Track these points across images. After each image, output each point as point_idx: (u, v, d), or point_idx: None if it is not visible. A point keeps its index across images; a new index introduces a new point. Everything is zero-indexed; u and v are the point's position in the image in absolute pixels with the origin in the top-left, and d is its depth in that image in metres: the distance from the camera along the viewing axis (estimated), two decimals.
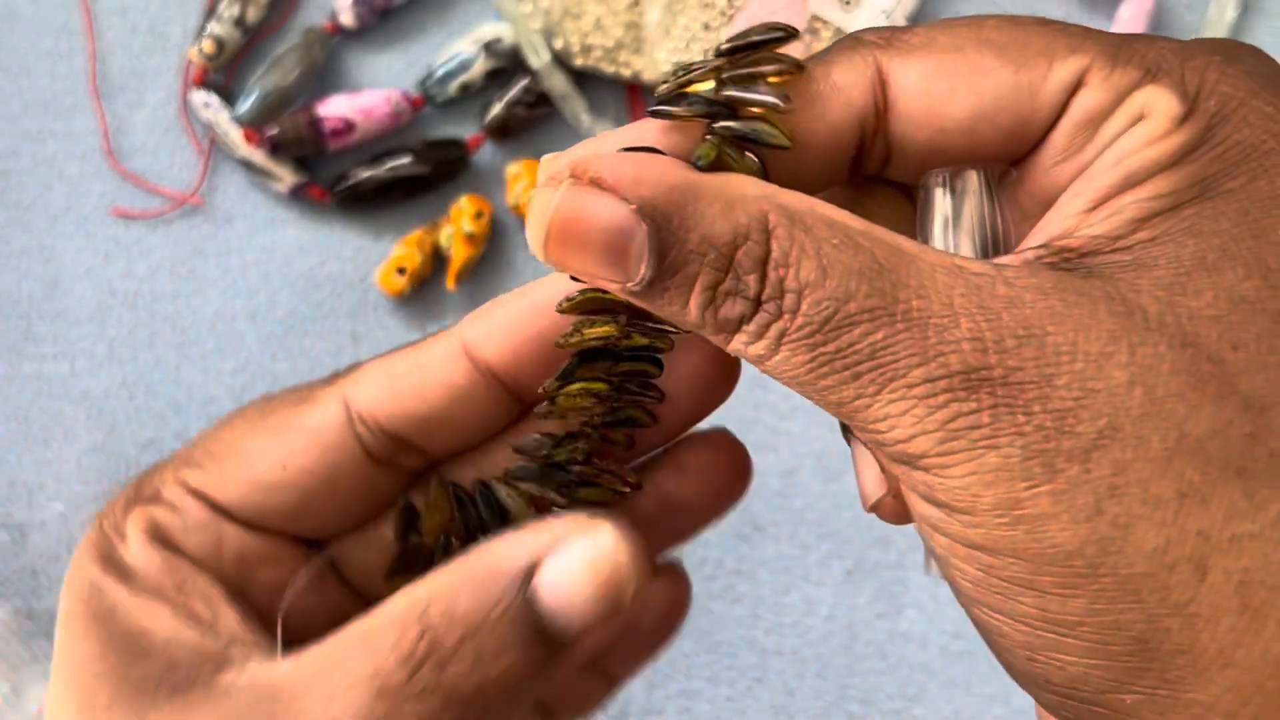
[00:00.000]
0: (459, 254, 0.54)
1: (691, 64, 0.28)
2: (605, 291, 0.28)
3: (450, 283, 0.55)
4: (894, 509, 0.29)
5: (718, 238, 0.25)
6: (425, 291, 0.56)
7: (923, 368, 0.24)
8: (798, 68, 0.28)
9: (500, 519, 0.32)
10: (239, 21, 0.55)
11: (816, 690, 0.53)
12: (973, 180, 0.30)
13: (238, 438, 0.32)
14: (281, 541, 0.31)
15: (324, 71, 0.56)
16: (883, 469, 0.29)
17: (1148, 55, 0.27)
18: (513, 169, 0.55)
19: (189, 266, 0.57)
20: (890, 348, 0.24)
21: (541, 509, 0.32)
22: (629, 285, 0.26)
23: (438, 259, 0.56)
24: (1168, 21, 0.57)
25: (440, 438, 0.32)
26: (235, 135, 0.55)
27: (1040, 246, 0.26)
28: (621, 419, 0.32)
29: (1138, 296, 0.25)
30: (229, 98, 0.55)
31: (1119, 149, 0.27)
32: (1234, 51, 0.28)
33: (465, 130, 0.56)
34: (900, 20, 0.56)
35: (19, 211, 0.57)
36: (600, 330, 0.30)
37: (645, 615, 0.34)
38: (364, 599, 0.32)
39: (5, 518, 0.55)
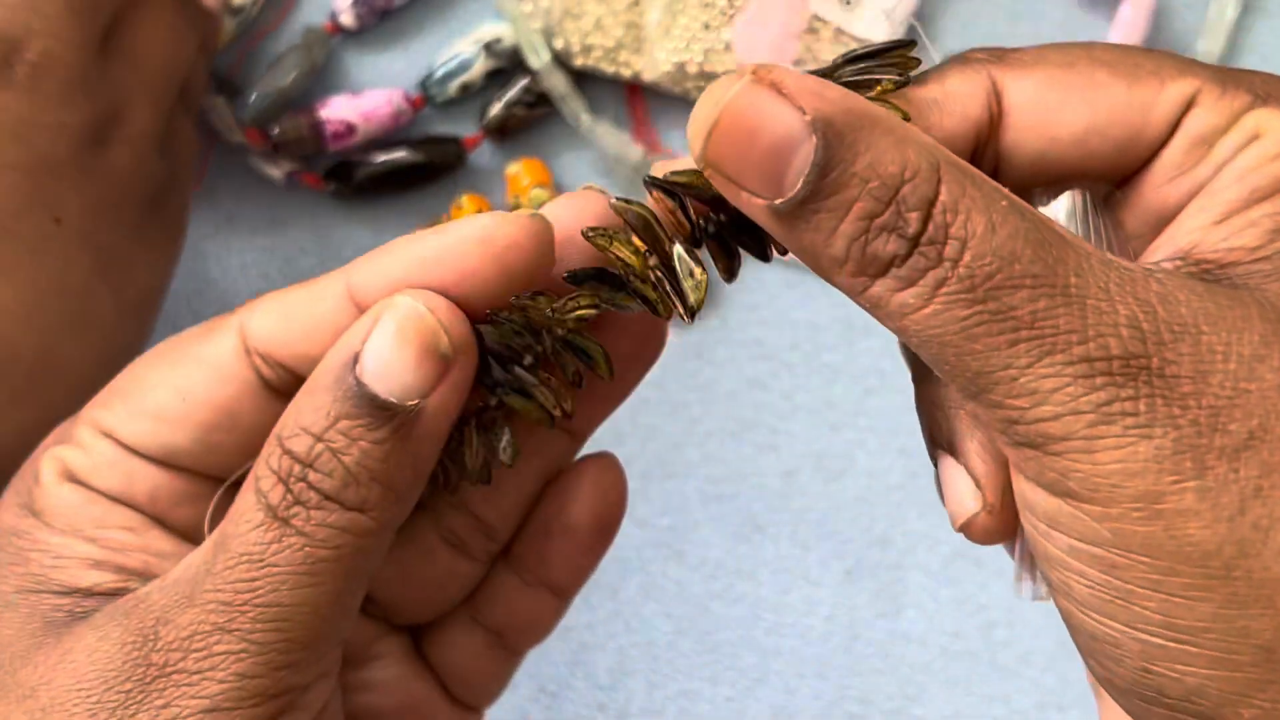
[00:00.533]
0: None
1: (809, 68, 0.28)
2: (682, 204, 0.28)
3: None
4: (987, 526, 0.29)
5: (885, 166, 0.24)
6: None
7: (1083, 345, 0.24)
8: (908, 74, 0.28)
9: None
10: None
11: (816, 690, 0.53)
12: (1077, 200, 0.30)
13: (142, 373, 0.31)
14: (194, 479, 0.31)
15: (324, 71, 0.56)
16: (976, 481, 0.28)
17: (1254, 83, 0.28)
18: (512, 169, 0.55)
19: (188, 266, 0.57)
20: (1051, 319, 0.24)
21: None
22: (777, 202, 0.25)
23: None
24: (1168, 21, 0.57)
25: None
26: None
27: (1176, 259, 0.27)
28: (581, 349, 0.31)
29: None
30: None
31: (1239, 166, 0.27)
32: None
33: (465, 130, 0.57)
34: (901, 21, 0.56)
35: None
36: (627, 253, 0.29)
37: (576, 511, 0.34)
38: None
39: None
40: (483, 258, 0.29)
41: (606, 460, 0.35)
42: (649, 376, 0.55)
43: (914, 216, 0.24)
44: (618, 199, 0.29)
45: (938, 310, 0.25)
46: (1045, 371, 0.24)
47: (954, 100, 0.28)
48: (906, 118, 0.28)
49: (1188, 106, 0.28)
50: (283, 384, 0.30)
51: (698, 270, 0.29)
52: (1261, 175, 0.27)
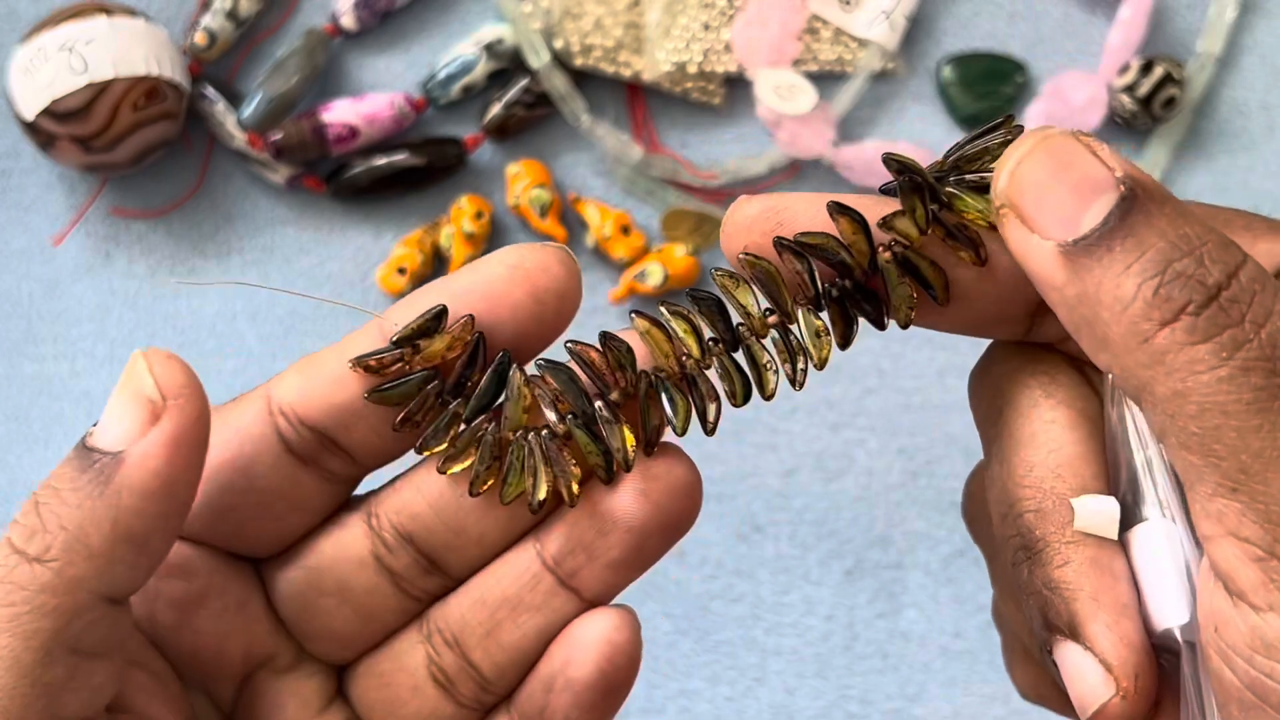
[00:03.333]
0: (459, 254, 0.55)
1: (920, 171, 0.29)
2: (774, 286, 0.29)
3: None
4: (1123, 710, 0.25)
5: (1190, 227, 0.23)
6: None
7: None
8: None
9: (492, 397, 0.30)
10: (231, 14, 0.55)
11: (816, 690, 0.53)
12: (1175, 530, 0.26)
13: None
14: (208, 555, 0.30)
15: (325, 73, 0.56)
16: (1107, 665, 0.26)
17: None
18: (513, 169, 0.55)
19: (189, 266, 0.57)
20: None
21: (529, 412, 0.31)
22: (1069, 237, 0.24)
23: (438, 259, 0.56)
24: (1167, 21, 0.57)
25: (361, 433, 0.29)
26: (230, 123, 0.55)
27: None
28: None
29: None
30: (230, 95, 0.55)
31: None
32: None
33: (466, 131, 0.57)
34: (900, 22, 0.56)
35: (20, 212, 0.57)
36: (749, 302, 0.30)
37: (582, 668, 0.30)
38: (286, 626, 0.31)
39: (6, 518, 0.56)
40: (512, 282, 0.29)
41: (621, 615, 0.30)
42: None
43: (1217, 268, 0.23)
44: (746, 254, 0.29)
45: (1233, 374, 0.22)
46: None
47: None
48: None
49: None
50: (304, 447, 0.29)
51: (821, 328, 0.30)
52: None
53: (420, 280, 0.55)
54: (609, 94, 0.57)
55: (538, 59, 0.55)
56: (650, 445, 0.32)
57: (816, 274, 0.29)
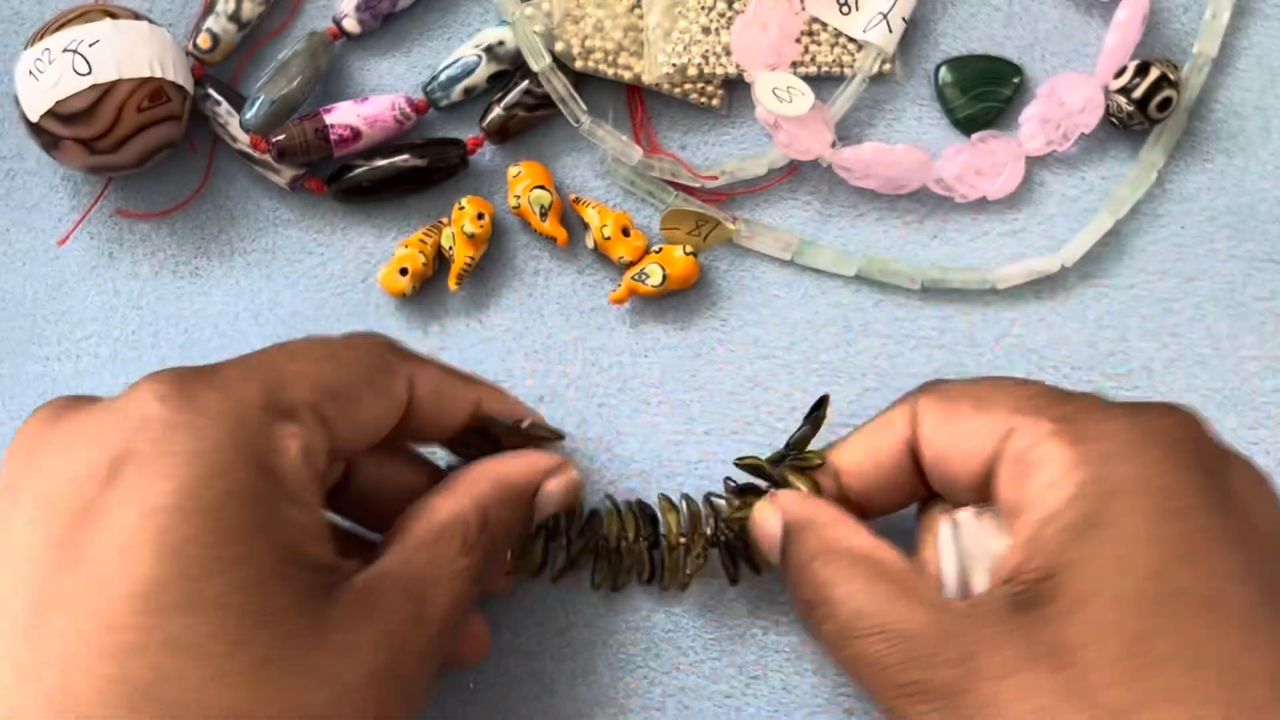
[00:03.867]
0: (461, 255, 0.55)
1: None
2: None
3: (452, 283, 0.55)
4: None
5: (801, 556, 0.43)
6: (427, 292, 0.56)
7: (904, 671, 0.36)
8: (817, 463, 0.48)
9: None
10: (234, 17, 0.56)
11: (815, 687, 0.53)
12: (963, 518, 0.41)
13: (354, 391, 0.40)
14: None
15: (327, 76, 0.57)
16: None
17: (1063, 410, 0.38)
18: (513, 170, 0.56)
19: (192, 266, 0.57)
20: (885, 663, 0.37)
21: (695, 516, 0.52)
22: (774, 560, 0.45)
23: (440, 260, 0.56)
24: (1164, 23, 0.57)
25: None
26: (234, 126, 0.55)
27: (1006, 580, 0.36)
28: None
29: (1048, 632, 0.34)
30: (233, 98, 0.56)
31: (1034, 490, 0.37)
32: (1136, 412, 0.37)
33: (468, 132, 0.57)
34: (897, 24, 0.56)
35: (24, 213, 0.57)
36: (673, 522, 0.53)
37: None
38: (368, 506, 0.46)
39: None
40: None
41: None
42: (648, 375, 0.56)
43: (812, 586, 0.42)
44: (685, 495, 0.52)
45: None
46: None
47: (892, 429, 0.43)
48: (817, 487, 0.47)
49: (1011, 431, 0.38)
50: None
51: (697, 554, 0.51)
52: (1045, 503, 0.36)
53: (422, 280, 0.55)
54: (609, 96, 0.57)
55: (538, 62, 0.55)
56: (560, 574, 0.53)
57: (720, 522, 0.50)
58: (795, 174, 0.57)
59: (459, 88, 0.56)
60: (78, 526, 0.33)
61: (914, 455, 0.43)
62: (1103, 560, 0.34)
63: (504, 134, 0.56)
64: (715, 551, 0.51)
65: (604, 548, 0.51)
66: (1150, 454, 0.35)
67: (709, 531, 0.50)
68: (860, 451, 0.45)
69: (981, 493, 0.40)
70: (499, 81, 0.56)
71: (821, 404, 0.50)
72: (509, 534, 0.44)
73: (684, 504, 0.52)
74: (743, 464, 0.51)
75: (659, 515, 0.52)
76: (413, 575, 0.38)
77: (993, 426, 0.39)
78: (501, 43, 0.56)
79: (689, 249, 0.55)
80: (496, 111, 0.56)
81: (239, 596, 0.32)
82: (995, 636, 0.34)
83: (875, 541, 0.40)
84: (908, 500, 0.45)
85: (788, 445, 0.50)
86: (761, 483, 0.51)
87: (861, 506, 0.45)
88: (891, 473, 0.43)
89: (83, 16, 0.53)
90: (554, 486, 0.46)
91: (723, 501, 0.51)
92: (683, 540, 0.51)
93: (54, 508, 0.33)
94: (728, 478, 0.52)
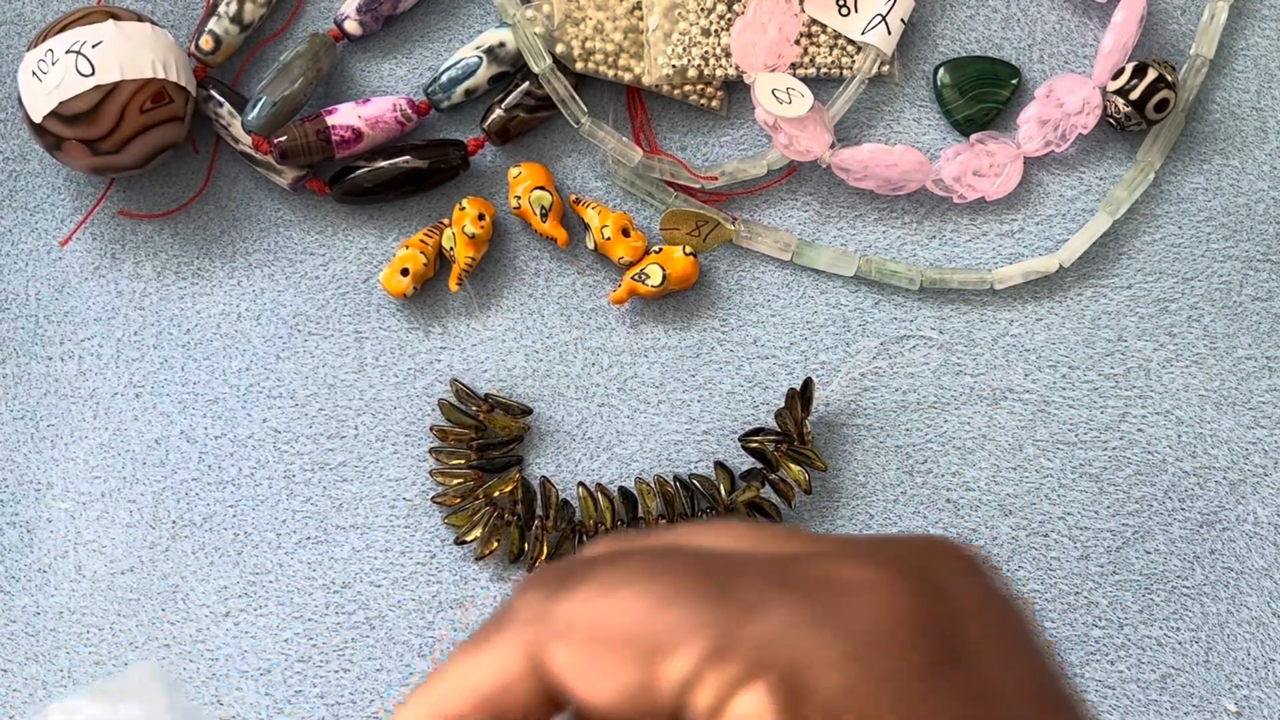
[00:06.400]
0: (462, 255, 0.55)
1: None
2: None
3: (453, 284, 0.55)
4: None
5: None
6: (428, 292, 0.57)
7: None
8: None
9: None
10: (236, 19, 0.56)
11: None
12: None
13: None
14: None
15: (329, 77, 0.57)
16: None
17: (758, 639, 0.28)
18: (514, 171, 0.56)
19: (195, 267, 0.57)
20: None
21: None
22: None
23: (441, 261, 0.56)
24: (1161, 25, 0.58)
25: None
26: (236, 127, 0.56)
27: None
28: None
29: None
30: (235, 99, 0.56)
31: None
32: (802, 588, 0.29)
33: (469, 134, 0.57)
34: (896, 26, 0.56)
35: (27, 213, 0.57)
36: None
37: None
38: None
39: (13, 516, 0.56)
40: None
41: None
42: (648, 375, 0.56)
43: None
44: (660, 478, 0.55)
45: None
46: None
47: (515, 683, 0.29)
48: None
49: (693, 684, 0.28)
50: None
51: None
52: None
53: (423, 281, 0.56)
54: (609, 98, 0.57)
55: (539, 63, 0.55)
56: (534, 562, 0.55)
57: (695, 502, 0.52)
58: (794, 175, 0.57)
59: (460, 89, 0.56)
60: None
61: (550, 703, 0.30)
62: None
63: (505, 135, 0.56)
64: None
65: (582, 534, 0.54)
66: (863, 677, 0.28)
67: (690, 513, 0.53)
68: (472, 702, 0.30)
69: None
70: (500, 83, 0.57)
71: (808, 385, 0.53)
72: None
73: (659, 488, 0.54)
74: (748, 445, 0.53)
75: (638, 499, 0.54)
76: None
77: (658, 679, 0.28)
78: (502, 44, 0.56)
79: (689, 249, 0.55)
80: (497, 113, 0.56)
81: None
82: None
83: None
84: None
85: (780, 424, 0.51)
86: (759, 464, 0.53)
87: None
88: None
89: (86, 18, 0.53)
90: None
91: (708, 483, 0.53)
92: (662, 522, 0.53)
93: None
94: (718, 461, 0.53)
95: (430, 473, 0.55)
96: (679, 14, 0.56)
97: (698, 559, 0.30)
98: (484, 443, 0.55)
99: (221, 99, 0.56)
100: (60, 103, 0.52)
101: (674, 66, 0.56)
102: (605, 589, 0.29)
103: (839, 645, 0.28)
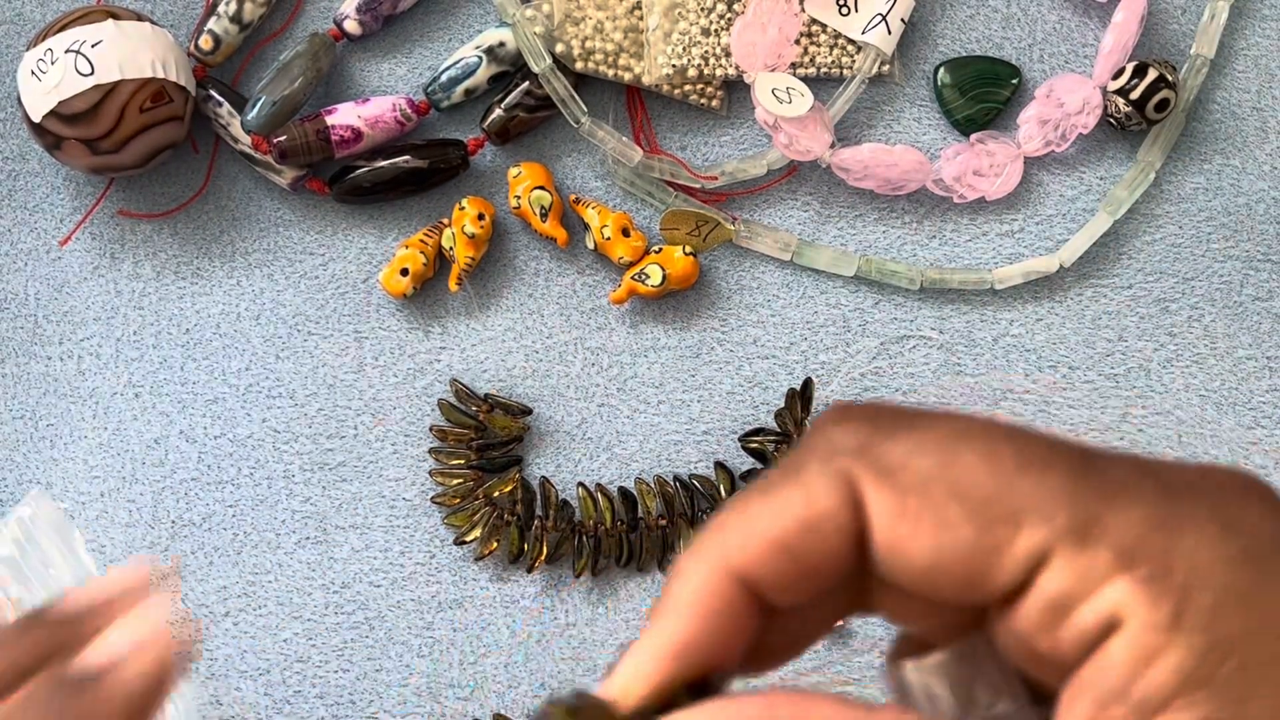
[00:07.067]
0: (461, 255, 0.55)
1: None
2: None
3: (452, 284, 0.55)
4: None
5: None
6: (428, 292, 0.57)
7: None
8: None
9: None
10: (235, 18, 0.56)
11: (813, 686, 0.53)
12: (942, 660, 0.28)
13: None
14: None
15: (329, 77, 0.57)
16: None
17: (1120, 533, 0.25)
18: (514, 171, 0.56)
19: (194, 267, 0.57)
20: None
21: None
22: None
23: (441, 260, 0.56)
24: (1161, 25, 0.58)
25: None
26: (235, 127, 0.56)
27: None
28: None
29: None
30: (235, 99, 0.56)
31: (1114, 664, 0.24)
32: (1213, 513, 0.25)
33: (469, 133, 0.57)
34: (896, 25, 0.56)
35: (27, 213, 0.57)
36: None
37: None
38: None
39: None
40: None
41: None
42: (648, 375, 0.56)
43: None
44: (659, 478, 0.55)
45: None
46: None
47: (821, 519, 0.26)
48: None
49: (1042, 559, 0.25)
50: None
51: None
52: (1142, 687, 0.24)
53: (423, 281, 0.56)
54: (609, 97, 0.57)
55: (539, 63, 0.55)
56: (532, 565, 0.55)
57: (695, 502, 0.52)
58: (794, 175, 0.57)
59: (460, 89, 0.56)
60: None
61: (857, 546, 0.27)
62: None
63: (505, 135, 0.56)
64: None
65: (582, 534, 0.54)
66: (1272, 592, 0.24)
67: (690, 513, 0.53)
68: (773, 553, 0.26)
69: (975, 622, 0.28)
70: (500, 83, 0.57)
71: (808, 385, 0.54)
72: None
73: (659, 488, 0.54)
74: (748, 446, 0.53)
75: (638, 499, 0.54)
76: None
77: (1003, 548, 0.25)
78: (502, 44, 0.56)
79: (689, 249, 0.55)
80: (497, 113, 0.56)
81: None
82: None
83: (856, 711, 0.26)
84: (834, 619, 0.29)
85: (780, 424, 0.52)
86: (759, 464, 0.53)
87: (763, 631, 0.28)
88: (828, 577, 0.27)
89: (85, 17, 0.53)
90: None
91: (706, 483, 0.54)
92: (662, 523, 0.53)
93: None
94: (718, 461, 0.53)
95: (430, 473, 0.55)
96: (679, 13, 0.56)
97: (1049, 433, 0.26)
98: (484, 443, 0.55)
99: (221, 98, 0.56)
100: (60, 102, 0.52)
101: (674, 66, 0.56)
102: (949, 439, 0.26)
103: (1228, 543, 0.24)
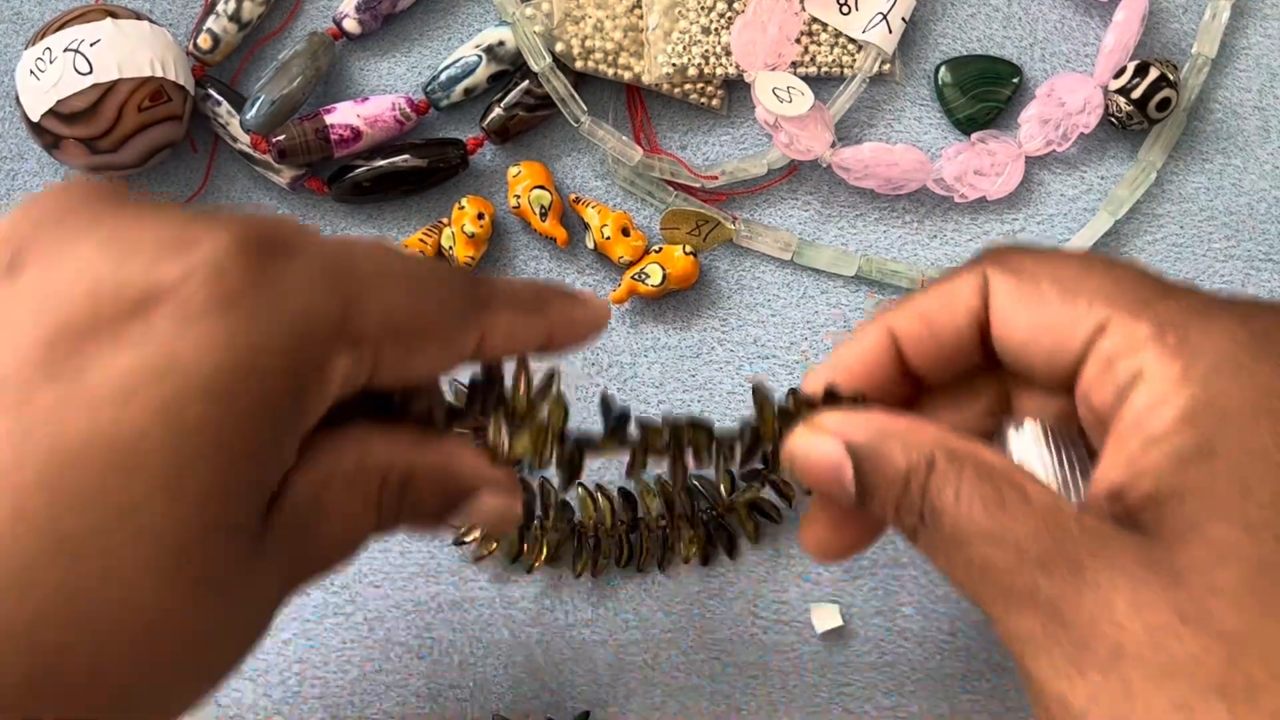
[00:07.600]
0: (461, 255, 0.55)
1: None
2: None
3: None
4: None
5: (895, 473, 0.35)
6: None
7: (1012, 576, 0.32)
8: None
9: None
10: (234, 17, 0.56)
11: (813, 686, 0.53)
12: (1036, 428, 0.37)
13: (421, 334, 0.37)
14: None
15: (328, 76, 0.57)
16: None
17: (1164, 312, 0.33)
18: (514, 171, 0.56)
19: None
20: (994, 567, 0.32)
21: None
22: (844, 502, 0.36)
23: (440, 260, 0.56)
24: (1163, 24, 0.58)
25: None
26: (234, 126, 0.55)
27: (1107, 498, 0.33)
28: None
29: (1158, 552, 0.31)
30: (234, 98, 0.56)
31: (1135, 407, 0.33)
32: (1246, 317, 0.33)
33: (468, 132, 0.57)
34: (897, 24, 0.56)
35: None
36: (654, 504, 0.55)
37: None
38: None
39: None
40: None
41: None
42: (648, 374, 0.56)
43: (918, 499, 0.34)
44: (660, 478, 0.54)
45: (929, 555, 0.35)
46: (993, 601, 0.33)
47: (956, 298, 0.37)
48: (863, 397, 0.38)
49: (1102, 328, 0.34)
50: None
51: (690, 538, 0.54)
52: (1150, 425, 0.32)
53: None
54: (609, 96, 0.57)
55: (538, 62, 0.55)
56: (533, 565, 0.54)
57: (695, 502, 0.54)
58: (795, 174, 0.57)
59: (459, 88, 0.56)
60: (84, 337, 0.30)
61: (979, 329, 0.37)
62: (1218, 488, 0.31)
63: (504, 134, 0.56)
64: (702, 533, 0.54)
65: (582, 535, 0.54)
66: (1263, 367, 0.32)
67: (690, 513, 0.54)
68: (917, 319, 0.38)
69: (1059, 387, 0.37)
70: (499, 82, 0.56)
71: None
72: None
73: (659, 488, 0.54)
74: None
75: (639, 499, 0.54)
76: (319, 511, 0.34)
77: (1079, 319, 0.34)
78: (502, 43, 0.56)
79: (689, 249, 0.55)
80: (497, 112, 0.56)
81: (208, 507, 0.30)
82: (1104, 549, 0.31)
83: (964, 439, 0.35)
84: (958, 376, 0.40)
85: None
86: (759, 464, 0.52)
87: (910, 380, 0.40)
88: (951, 347, 0.38)
89: (84, 16, 0.53)
90: (489, 503, 0.38)
91: (706, 485, 0.54)
92: (662, 523, 0.53)
93: (65, 307, 0.30)
94: None
95: None
96: (679, 12, 0.56)
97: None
98: (484, 443, 0.55)
99: (220, 97, 0.56)
100: (58, 101, 0.52)
101: (674, 65, 0.56)
102: (1062, 254, 0.37)
103: (1241, 330, 0.33)
